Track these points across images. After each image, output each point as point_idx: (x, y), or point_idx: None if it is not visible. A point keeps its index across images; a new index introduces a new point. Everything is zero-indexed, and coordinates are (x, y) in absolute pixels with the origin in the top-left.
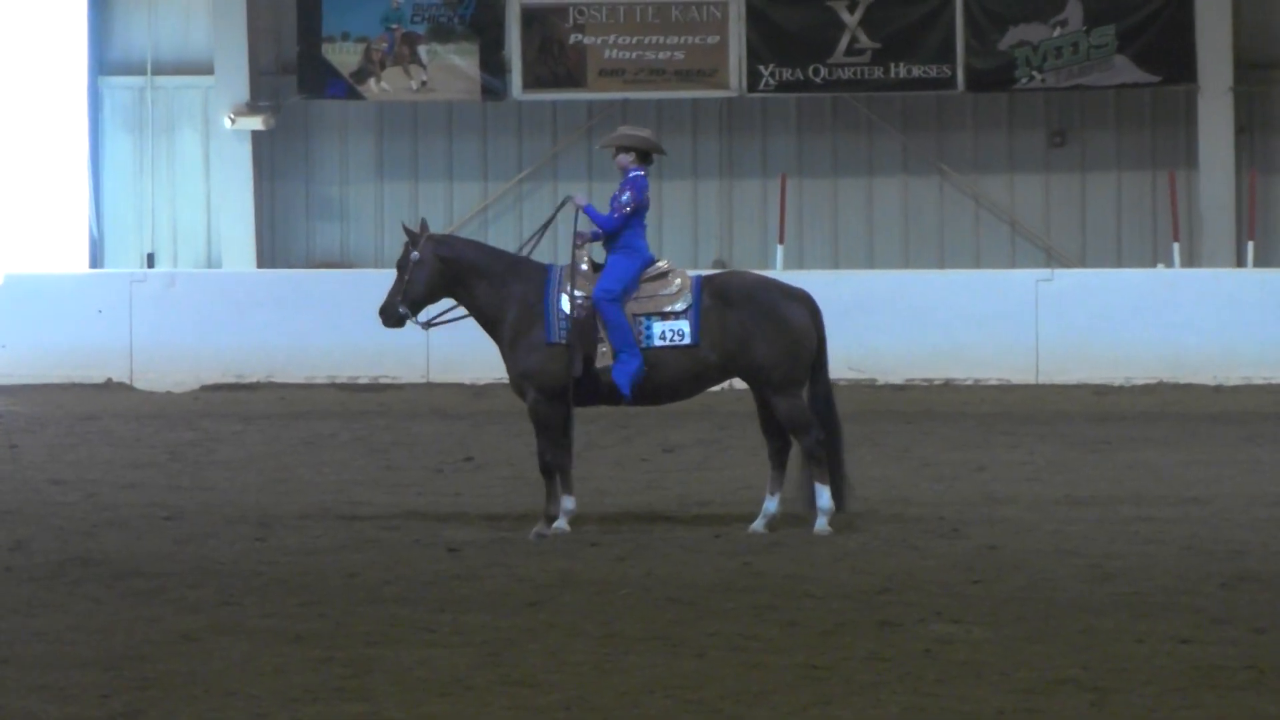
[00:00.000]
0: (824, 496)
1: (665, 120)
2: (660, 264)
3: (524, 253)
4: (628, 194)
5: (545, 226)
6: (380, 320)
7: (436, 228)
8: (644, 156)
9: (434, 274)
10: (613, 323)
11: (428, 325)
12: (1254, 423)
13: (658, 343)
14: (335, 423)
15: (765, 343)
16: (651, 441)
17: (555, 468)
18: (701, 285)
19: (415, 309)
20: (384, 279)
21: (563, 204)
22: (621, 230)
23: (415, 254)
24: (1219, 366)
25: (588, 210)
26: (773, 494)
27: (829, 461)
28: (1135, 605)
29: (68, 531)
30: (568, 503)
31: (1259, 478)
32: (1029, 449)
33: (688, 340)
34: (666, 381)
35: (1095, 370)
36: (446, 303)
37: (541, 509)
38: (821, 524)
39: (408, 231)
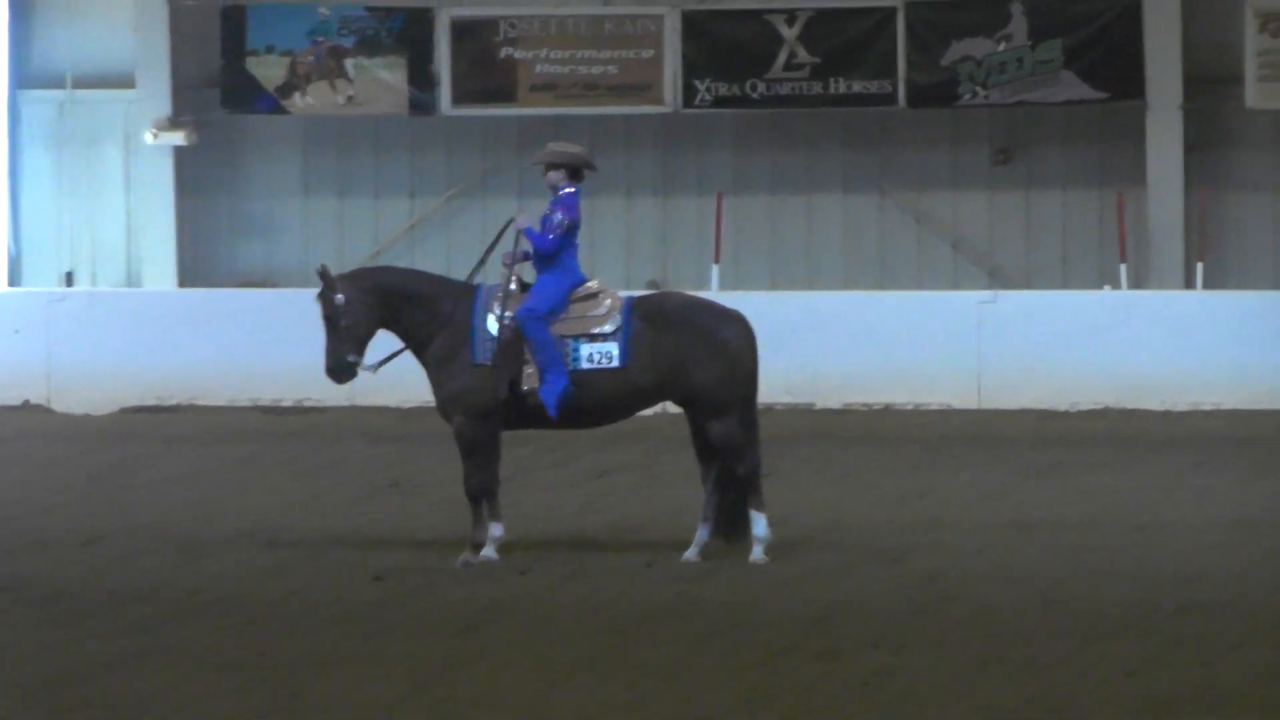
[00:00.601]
0: (760, 524)
1: (599, 137)
2: (590, 284)
3: (471, 278)
4: (560, 213)
5: (491, 249)
6: (332, 380)
7: (363, 246)
8: (575, 173)
9: (368, 309)
10: (538, 342)
11: (376, 368)
12: (1203, 448)
13: (585, 365)
14: (259, 446)
15: (701, 366)
16: (584, 465)
17: (482, 493)
18: (633, 307)
19: (361, 352)
20: (308, 297)
21: (506, 225)
22: (558, 250)
23: (340, 298)
24: (1168, 391)
25: (527, 233)
26: (705, 521)
27: (735, 490)
28: (1083, 634)
29: None
30: (495, 529)
31: (1208, 503)
32: (972, 474)
33: (616, 363)
34: (595, 404)
35: (1040, 395)
36: (392, 342)
37: (469, 536)
38: (758, 553)
39: (324, 278)
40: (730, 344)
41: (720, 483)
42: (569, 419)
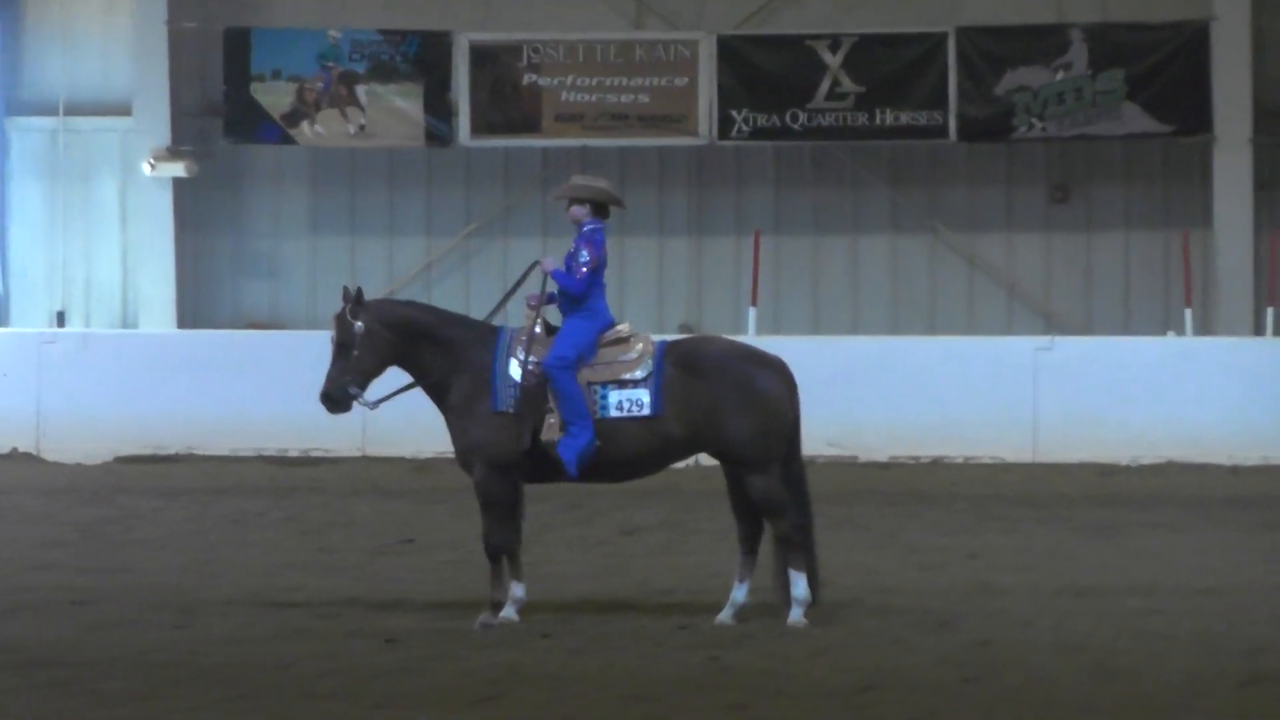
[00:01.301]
0: (800, 585)
1: (628, 170)
2: (621, 327)
3: (491, 319)
4: (585, 251)
5: (512, 291)
6: (325, 406)
7: (376, 286)
8: (600, 209)
9: (384, 344)
10: (564, 392)
11: (375, 404)
12: (1273, 507)
13: (614, 413)
14: (264, 500)
15: (737, 416)
16: (611, 523)
17: (502, 550)
18: (665, 351)
19: (364, 385)
20: (318, 341)
21: (531, 268)
22: (587, 291)
23: (359, 325)
24: (1235, 445)
25: (555, 274)
26: (742, 581)
27: (803, 548)
28: (1142, 707)
29: None
30: (517, 590)
31: (1278, 567)
32: (1026, 534)
33: (647, 411)
34: (624, 456)
35: (1099, 449)
36: (397, 379)
37: (488, 596)
38: (796, 615)
39: (349, 301)
40: (768, 393)
41: (767, 542)
42: (596, 472)
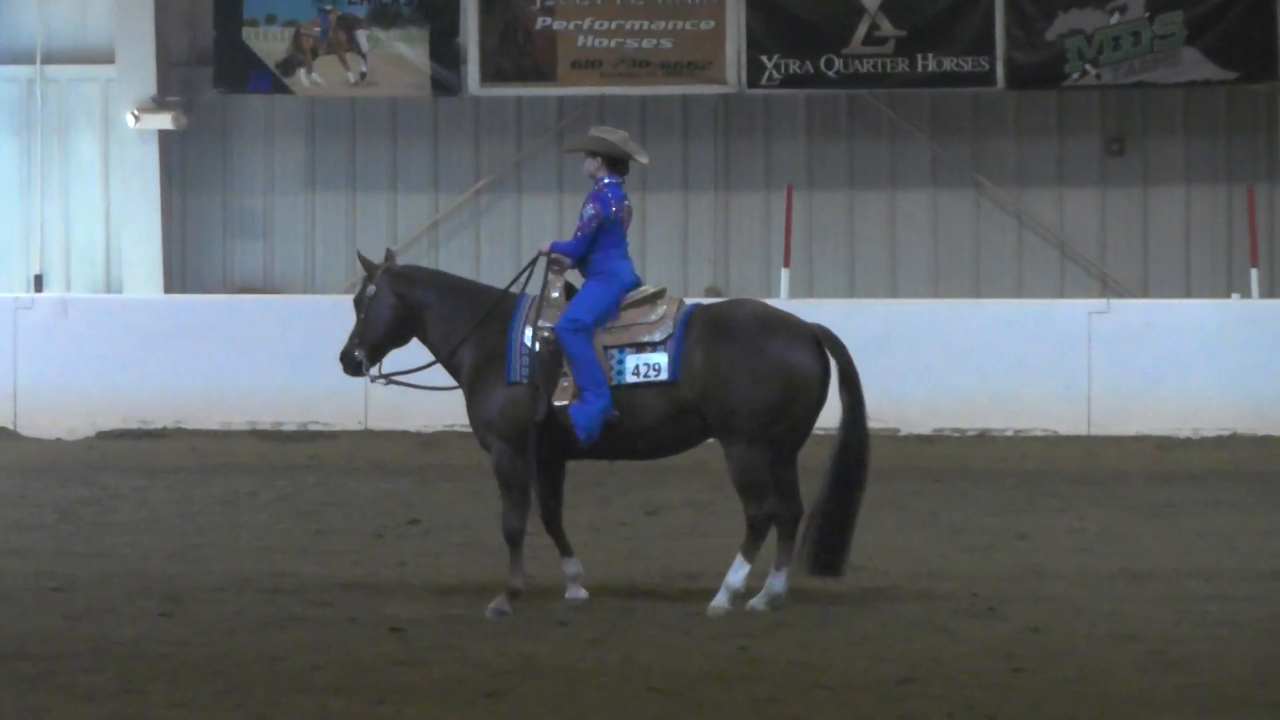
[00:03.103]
0: (738, 573)
1: (650, 121)
2: (646, 288)
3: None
4: (588, 208)
5: (516, 279)
6: (341, 367)
7: (378, 247)
8: (617, 164)
9: (392, 313)
10: (577, 357)
11: (384, 380)
12: None
13: (630, 379)
14: (256, 478)
15: (748, 387)
16: (632, 503)
17: (519, 534)
18: (694, 314)
19: (373, 356)
20: (314, 307)
21: (534, 261)
22: (591, 252)
23: (371, 288)
24: None
25: (554, 244)
26: (779, 569)
27: (839, 521)
28: (1204, 700)
29: None
30: (570, 567)
31: None
32: (1079, 513)
33: (664, 376)
34: (642, 427)
35: (1158, 420)
36: (417, 356)
37: (504, 582)
38: (720, 600)
39: (364, 262)
40: (793, 368)
41: (818, 511)
42: (618, 446)
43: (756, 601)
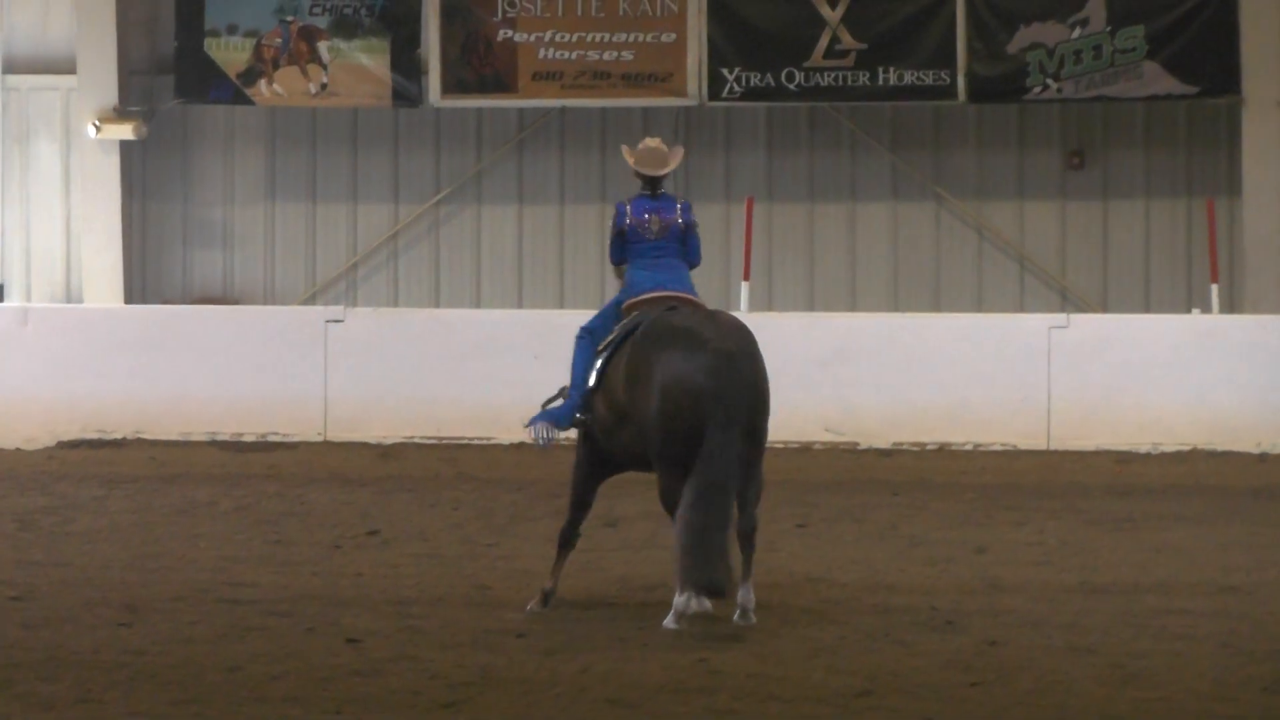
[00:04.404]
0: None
1: (611, 133)
2: (648, 294)
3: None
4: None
5: None
6: None
7: (338, 257)
8: (641, 175)
9: None
10: (574, 360)
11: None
12: None
13: (592, 384)
14: (215, 488)
15: (643, 399)
16: (591, 515)
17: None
18: (655, 319)
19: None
20: (274, 317)
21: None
22: (618, 261)
23: None
24: (1263, 431)
25: None
26: (744, 581)
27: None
28: (1163, 714)
29: None
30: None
31: None
32: (1038, 527)
33: (593, 383)
34: (603, 433)
35: (1118, 435)
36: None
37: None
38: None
39: None
40: (661, 380)
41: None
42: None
43: (736, 617)
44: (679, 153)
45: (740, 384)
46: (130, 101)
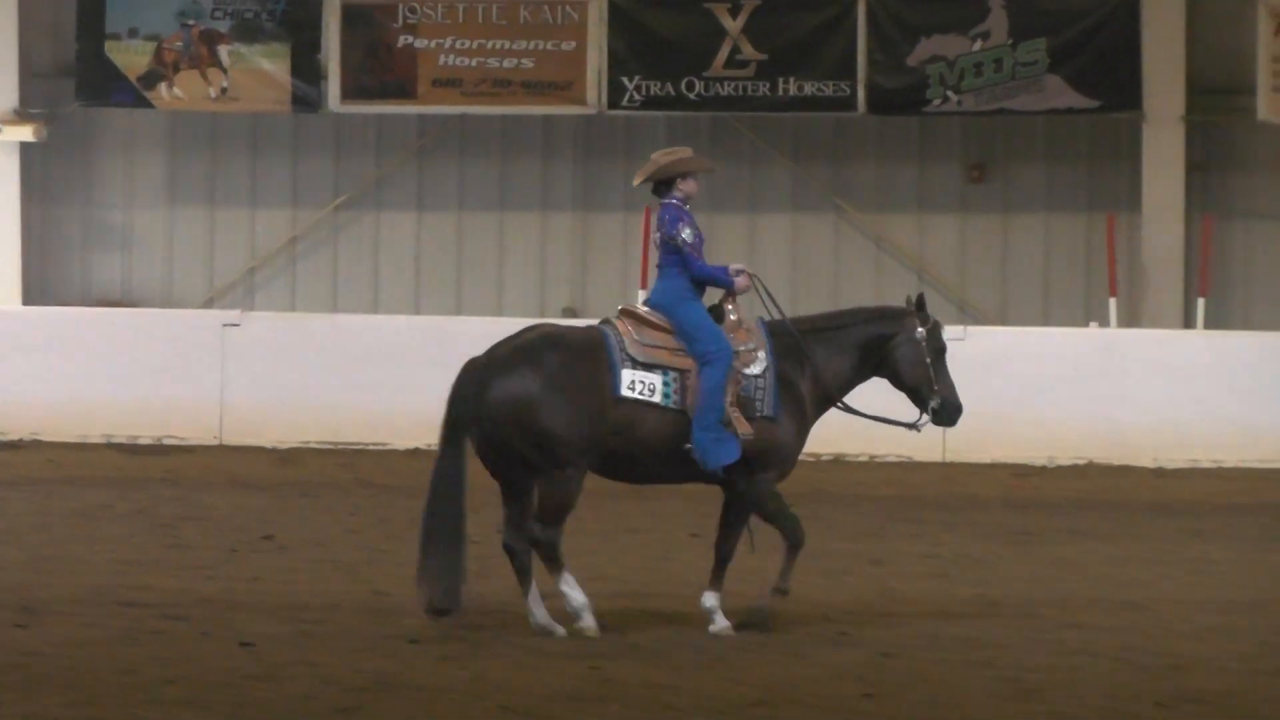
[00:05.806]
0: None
1: (511, 141)
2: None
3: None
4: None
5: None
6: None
7: (237, 262)
8: (657, 185)
9: None
10: None
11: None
12: (1201, 514)
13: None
14: (112, 491)
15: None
16: (484, 520)
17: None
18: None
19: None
20: (172, 320)
21: (765, 288)
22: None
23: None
24: (1160, 447)
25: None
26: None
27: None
28: None
29: None
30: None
31: (1205, 579)
32: (934, 540)
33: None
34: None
35: (1014, 448)
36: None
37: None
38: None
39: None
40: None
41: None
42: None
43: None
44: (654, 163)
45: (466, 395)
46: (31, 104)
